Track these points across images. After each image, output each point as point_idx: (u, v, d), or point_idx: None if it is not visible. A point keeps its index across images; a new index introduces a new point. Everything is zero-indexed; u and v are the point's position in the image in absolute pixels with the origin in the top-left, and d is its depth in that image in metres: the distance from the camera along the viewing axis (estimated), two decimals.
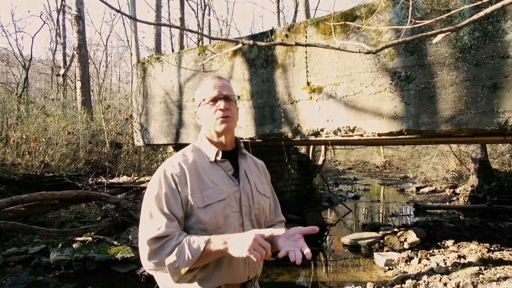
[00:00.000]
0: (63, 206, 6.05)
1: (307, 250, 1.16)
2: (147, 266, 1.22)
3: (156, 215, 1.23)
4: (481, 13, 1.45)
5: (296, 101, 4.33)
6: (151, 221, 1.23)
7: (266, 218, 1.46)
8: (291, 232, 1.27)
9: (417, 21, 1.74)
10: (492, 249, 5.01)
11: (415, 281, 3.93)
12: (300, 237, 1.24)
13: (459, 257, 4.62)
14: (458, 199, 10.27)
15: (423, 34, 1.57)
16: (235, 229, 1.30)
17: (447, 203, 10.09)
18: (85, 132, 10.15)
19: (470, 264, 4.33)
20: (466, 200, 9.78)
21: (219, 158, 1.36)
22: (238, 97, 1.44)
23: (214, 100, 1.35)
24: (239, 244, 1.14)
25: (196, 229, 1.27)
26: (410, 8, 1.85)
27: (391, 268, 4.59)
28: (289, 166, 8.29)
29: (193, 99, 5.42)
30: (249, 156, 1.52)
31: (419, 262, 4.57)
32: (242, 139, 4.86)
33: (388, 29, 3.46)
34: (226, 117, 1.34)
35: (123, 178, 8.59)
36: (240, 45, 1.92)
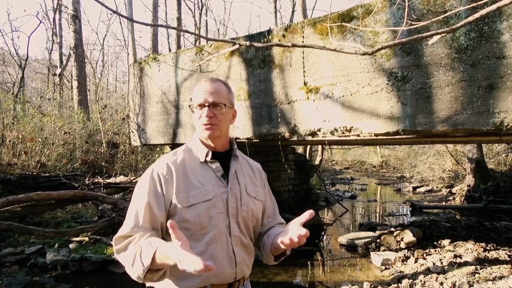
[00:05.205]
0: (59, 206, 6.03)
1: (302, 232, 1.18)
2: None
3: (131, 214, 1.27)
4: (477, 15, 1.46)
5: (293, 101, 4.33)
6: (126, 219, 1.28)
7: (256, 221, 1.45)
8: (290, 226, 1.27)
9: (413, 22, 1.75)
10: (488, 248, 5.04)
11: (411, 280, 3.95)
12: (300, 226, 1.24)
13: (455, 256, 4.65)
14: (454, 198, 10.32)
15: (419, 35, 1.57)
16: (220, 230, 1.30)
17: (444, 203, 10.13)
18: (82, 132, 10.12)
19: (466, 263, 4.35)
20: (462, 200, 9.82)
21: (208, 158, 1.37)
22: (225, 104, 1.36)
23: (201, 106, 1.35)
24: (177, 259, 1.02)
25: (180, 228, 1.26)
26: (406, 9, 1.86)
27: (387, 267, 4.60)
28: (286, 166, 8.31)
29: (190, 98, 5.42)
30: (244, 159, 1.51)
31: (416, 261, 4.59)
32: (239, 139, 4.86)
33: (384, 30, 3.47)
34: (210, 125, 1.33)
35: (120, 178, 8.58)
36: (237, 46, 1.92)
